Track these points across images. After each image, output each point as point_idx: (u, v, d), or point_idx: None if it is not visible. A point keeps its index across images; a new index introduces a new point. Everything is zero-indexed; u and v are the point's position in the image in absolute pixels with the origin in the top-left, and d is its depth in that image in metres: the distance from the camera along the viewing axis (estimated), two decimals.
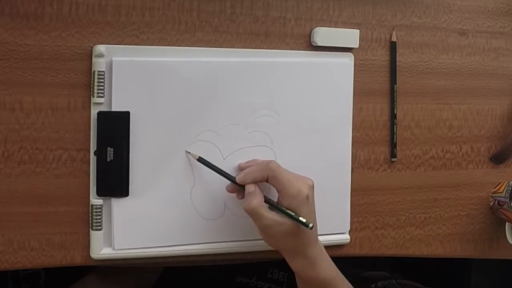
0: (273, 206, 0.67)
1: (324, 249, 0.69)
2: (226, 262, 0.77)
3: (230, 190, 0.71)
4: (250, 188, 0.68)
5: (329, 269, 0.69)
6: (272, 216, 0.66)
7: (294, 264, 0.68)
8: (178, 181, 0.71)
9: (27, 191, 0.68)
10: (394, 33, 0.79)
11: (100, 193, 0.69)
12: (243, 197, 0.71)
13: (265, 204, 0.67)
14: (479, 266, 1.00)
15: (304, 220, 0.65)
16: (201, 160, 0.71)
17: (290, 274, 0.97)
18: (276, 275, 0.97)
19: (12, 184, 0.68)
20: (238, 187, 0.70)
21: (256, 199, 0.66)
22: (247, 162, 0.71)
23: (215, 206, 0.73)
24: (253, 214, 0.66)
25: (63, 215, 0.69)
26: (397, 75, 0.80)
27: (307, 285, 0.69)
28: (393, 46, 0.80)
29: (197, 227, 0.72)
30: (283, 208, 0.66)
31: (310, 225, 0.65)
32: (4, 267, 0.69)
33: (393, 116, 0.80)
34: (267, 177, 0.67)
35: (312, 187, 0.68)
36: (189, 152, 0.71)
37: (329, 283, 0.68)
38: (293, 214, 0.66)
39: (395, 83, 0.80)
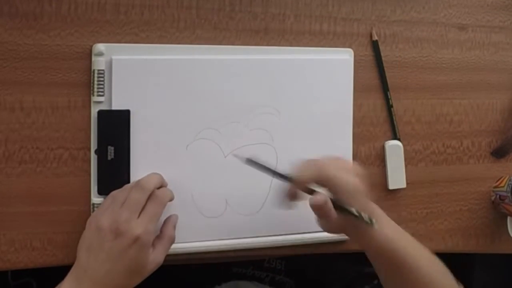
0: (339, 208, 0.64)
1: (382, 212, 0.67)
2: (227, 260, 0.76)
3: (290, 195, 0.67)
4: (320, 200, 0.63)
5: (393, 229, 0.67)
6: (340, 215, 0.64)
7: (363, 242, 0.66)
8: (179, 179, 0.71)
9: (28, 191, 0.68)
10: (373, 31, 0.79)
11: (101, 191, 0.69)
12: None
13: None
14: (482, 261, 1.00)
15: (368, 220, 0.63)
16: (249, 161, 0.67)
17: (288, 261, 0.97)
18: (273, 264, 0.97)
19: (13, 184, 0.68)
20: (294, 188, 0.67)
21: (328, 206, 0.63)
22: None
23: (216, 204, 0.73)
24: (327, 219, 0.65)
25: (65, 214, 0.69)
26: (397, 71, 0.80)
27: (380, 256, 0.67)
28: (375, 45, 0.79)
29: (198, 225, 0.72)
30: (348, 208, 0.64)
31: (374, 221, 0.63)
32: (6, 267, 0.69)
33: (390, 112, 0.80)
34: (319, 179, 0.65)
35: (360, 173, 0.66)
36: (236, 155, 0.70)
37: (392, 248, 0.65)
38: (357, 214, 0.63)
39: (386, 81, 0.79)
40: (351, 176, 0.65)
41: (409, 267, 0.65)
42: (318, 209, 0.64)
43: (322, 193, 0.64)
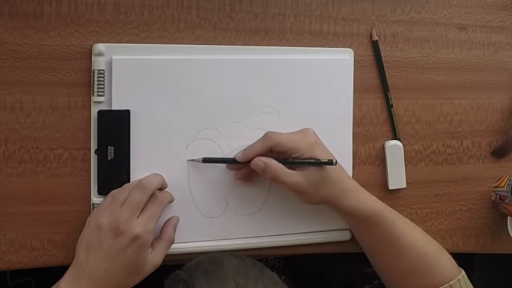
0: (292, 163, 0.69)
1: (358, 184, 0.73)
2: None
3: (232, 168, 0.72)
4: (259, 164, 0.68)
5: (371, 198, 0.72)
6: (296, 172, 0.68)
7: (342, 205, 0.70)
8: (179, 179, 0.71)
9: (28, 191, 0.68)
10: (373, 31, 0.79)
11: (101, 191, 0.69)
12: (242, 178, 0.72)
13: (283, 166, 0.68)
14: (482, 261, 1.00)
15: (326, 160, 0.68)
16: (206, 160, 0.71)
17: (286, 260, 0.97)
18: (271, 262, 0.97)
19: (13, 184, 0.68)
20: (241, 167, 0.72)
21: (273, 167, 0.68)
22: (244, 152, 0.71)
23: (216, 204, 0.73)
24: (279, 180, 0.68)
25: (65, 214, 0.69)
26: (397, 71, 0.80)
27: (363, 221, 0.71)
28: (375, 45, 0.79)
29: (198, 225, 0.72)
30: (302, 160, 0.68)
31: (334, 160, 0.68)
32: (6, 267, 0.69)
33: (390, 112, 0.80)
34: (269, 147, 0.69)
35: (314, 133, 0.71)
36: (192, 160, 0.71)
37: (379, 211, 0.71)
38: (313, 160, 0.68)
39: (386, 81, 0.79)
40: (303, 135, 0.70)
41: (383, 224, 0.70)
42: (264, 173, 0.68)
43: (264, 158, 0.68)
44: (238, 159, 0.70)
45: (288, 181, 0.68)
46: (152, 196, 0.66)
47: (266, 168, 0.68)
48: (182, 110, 0.71)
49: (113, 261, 0.62)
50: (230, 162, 0.71)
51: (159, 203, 0.67)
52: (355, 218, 0.71)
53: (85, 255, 0.63)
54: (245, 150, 0.70)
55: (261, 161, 0.68)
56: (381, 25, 0.80)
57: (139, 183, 0.66)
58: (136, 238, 0.63)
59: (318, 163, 0.68)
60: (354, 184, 0.72)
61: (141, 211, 0.65)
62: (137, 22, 0.70)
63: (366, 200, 0.71)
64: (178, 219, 0.71)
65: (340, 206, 0.70)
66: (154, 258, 0.66)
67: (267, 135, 0.69)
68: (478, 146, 0.85)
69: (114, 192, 0.67)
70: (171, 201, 0.70)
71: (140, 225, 0.63)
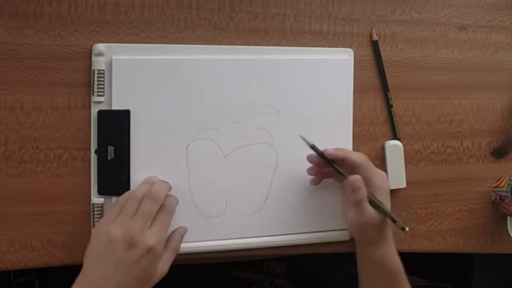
0: (373, 203, 0.69)
1: None
2: (227, 260, 0.77)
3: (311, 161, 0.73)
4: (356, 177, 0.68)
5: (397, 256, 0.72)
6: (372, 212, 0.68)
7: (377, 252, 0.70)
8: (179, 179, 0.71)
9: (28, 191, 0.68)
10: (373, 31, 0.79)
11: (101, 191, 0.69)
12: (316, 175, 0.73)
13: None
14: (482, 261, 1.00)
15: (401, 225, 0.68)
16: (313, 147, 0.71)
17: (287, 265, 0.97)
18: (273, 267, 0.97)
19: (13, 184, 0.68)
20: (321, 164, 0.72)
21: (362, 191, 0.68)
22: (335, 149, 0.71)
23: (216, 204, 0.73)
24: (362, 203, 0.68)
25: (65, 214, 0.69)
26: (397, 71, 0.80)
27: (384, 273, 0.70)
28: (375, 45, 0.79)
29: (198, 225, 0.72)
30: (384, 209, 0.68)
31: (407, 228, 0.68)
32: (6, 267, 0.69)
33: (390, 112, 0.80)
34: (358, 163, 0.69)
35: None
36: (303, 138, 0.71)
37: (400, 270, 0.70)
38: (394, 217, 0.68)
39: (386, 81, 0.79)
40: (383, 175, 0.70)
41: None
42: (353, 191, 0.68)
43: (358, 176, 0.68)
44: (328, 155, 0.70)
45: (367, 209, 0.68)
46: (161, 205, 0.66)
47: (359, 183, 0.68)
48: (182, 110, 0.71)
49: (126, 272, 0.61)
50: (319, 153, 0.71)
51: (169, 211, 0.66)
52: (380, 269, 0.71)
53: (95, 267, 0.62)
54: (337, 148, 0.71)
55: (358, 176, 0.68)
56: (381, 25, 0.80)
57: (150, 193, 0.65)
58: (150, 250, 0.62)
59: (395, 222, 0.69)
60: (391, 240, 0.72)
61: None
62: (137, 22, 0.70)
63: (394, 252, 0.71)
64: (186, 229, 0.71)
65: (372, 252, 0.70)
66: (162, 267, 0.65)
67: (363, 155, 0.71)
68: (478, 146, 0.85)
69: (121, 201, 0.65)
70: (176, 204, 0.69)
71: (153, 236, 0.63)
